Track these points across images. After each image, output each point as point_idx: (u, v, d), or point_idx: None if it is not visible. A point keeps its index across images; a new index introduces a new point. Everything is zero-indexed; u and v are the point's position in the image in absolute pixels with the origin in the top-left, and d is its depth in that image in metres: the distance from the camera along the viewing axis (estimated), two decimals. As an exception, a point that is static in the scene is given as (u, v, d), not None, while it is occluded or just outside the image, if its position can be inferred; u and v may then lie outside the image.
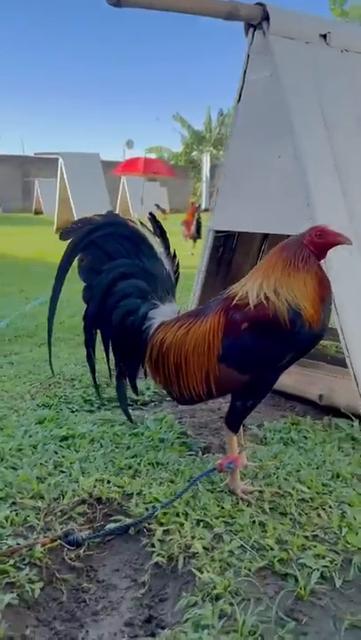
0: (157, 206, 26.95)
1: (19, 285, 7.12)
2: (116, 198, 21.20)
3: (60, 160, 15.27)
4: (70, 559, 1.74)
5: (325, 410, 2.88)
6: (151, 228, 2.09)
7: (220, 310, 1.95)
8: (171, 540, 1.77)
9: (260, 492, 2.04)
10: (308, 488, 2.07)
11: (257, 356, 1.90)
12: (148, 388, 3.16)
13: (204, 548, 1.74)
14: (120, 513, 1.94)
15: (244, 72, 2.76)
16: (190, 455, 2.37)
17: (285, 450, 2.42)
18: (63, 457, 2.25)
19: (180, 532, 1.81)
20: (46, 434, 2.45)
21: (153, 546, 1.76)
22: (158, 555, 1.73)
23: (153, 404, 3.04)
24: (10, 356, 3.78)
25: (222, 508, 1.95)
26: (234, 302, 1.92)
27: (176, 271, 2.15)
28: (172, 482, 2.11)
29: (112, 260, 2.01)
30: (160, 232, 2.09)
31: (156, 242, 2.08)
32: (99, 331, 2.11)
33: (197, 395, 2.01)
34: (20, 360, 3.65)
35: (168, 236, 2.12)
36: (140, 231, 2.05)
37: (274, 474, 2.18)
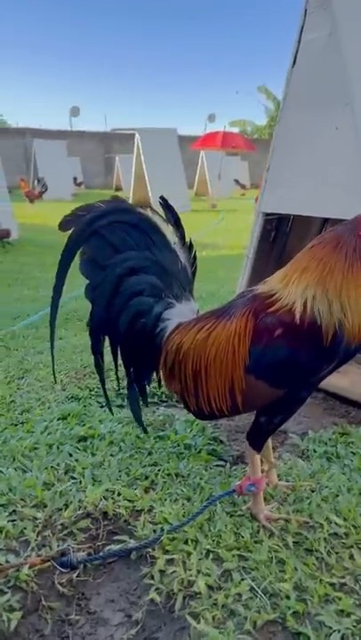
0: (236, 181, 26.43)
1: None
2: (195, 173, 20.87)
3: (137, 136, 15.11)
4: (61, 584, 1.57)
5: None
6: (163, 215, 1.81)
7: (248, 311, 1.65)
8: (173, 572, 1.56)
9: (287, 520, 1.77)
10: (345, 520, 1.78)
11: (291, 368, 1.61)
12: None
13: (209, 587, 1.51)
14: (125, 532, 1.75)
15: (301, 30, 2.39)
16: (218, 466, 2.14)
17: (327, 468, 2.13)
18: (76, 460, 2.09)
19: (184, 563, 1.59)
20: (66, 432, 2.29)
21: (152, 577, 1.55)
22: (156, 589, 1.52)
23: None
24: (46, 343, 3.68)
25: (239, 537, 1.70)
26: (266, 302, 1.63)
27: (193, 264, 1.87)
28: (188, 499, 1.89)
29: (118, 252, 1.74)
30: (174, 219, 1.81)
31: (169, 231, 1.79)
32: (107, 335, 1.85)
33: (219, 409, 1.72)
34: (62, 346, 3.53)
35: (182, 223, 1.83)
36: (150, 219, 1.77)
37: (307, 498, 1.90)
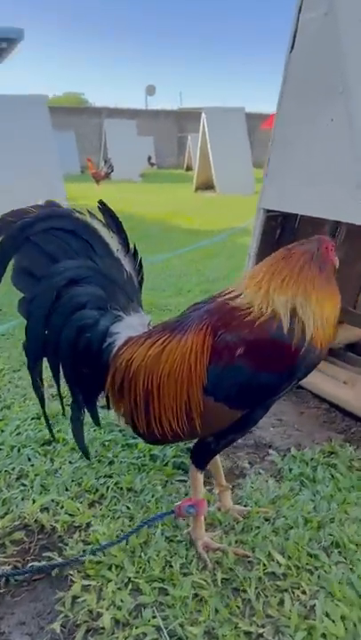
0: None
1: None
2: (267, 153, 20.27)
3: (203, 114, 14.84)
4: (-24, 599, 1.54)
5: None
6: (103, 220, 1.67)
7: (205, 326, 1.53)
8: (84, 601, 1.48)
9: (224, 552, 1.65)
10: (288, 558, 1.62)
11: (254, 389, 1.50)
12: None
13: (116, 621, 1.42)
14: (55, 549, 1.69)
15: (299, 9, 2.16)
16: (181, 481, 2.03)
17: (296, 492, 1.97)
18: (32, 466, 2.05)
19: (100, 591, 1.51)
20: (32, 434, 2.26)
21: (64, 604, 1.49)
22: (64, 617, 1.45)
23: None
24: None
25: (168, 567, 1.60)
26: (226, 317, 1.51)
27: (139, 273, 1.73)
28: (130, 518, 1.80)
29: (55, 262, 1.58)
30: (115, 225, 1.67)
31: (110, 237, 1.66)
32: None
33: (173, 432, 1.57)
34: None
35: (125, 228, 1.69)
36: (89, 224, 1.64)
37: (257, 528, 1.76)
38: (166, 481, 2.03)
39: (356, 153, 1.94)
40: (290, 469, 2.13)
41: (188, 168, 27.52)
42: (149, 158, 28.70)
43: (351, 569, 1.59)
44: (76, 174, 21.71)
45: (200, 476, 1.68)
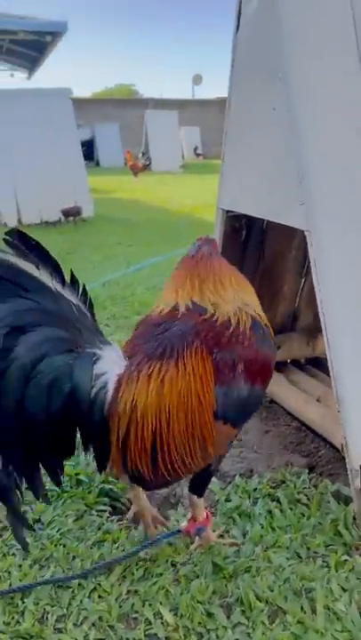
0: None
1: (142, 245, 6.87)
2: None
3: (241, 104, 14.45)
4: None
5: None
6: (17, 251, 1.29)
7: (197, 348, 1.39)
8: None
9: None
10: (178, 617, 1.42)
11: (252, 404, 1.50)
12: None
13: None
14: None
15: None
16: (100, 512, 1.85)
17: (222, 532, 1.75)
18: None
19: None
20: None
21: None
22: None
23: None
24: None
25: (43, 619, 1.42)
26: (211, 334, 1.42)
27: (86, 301, 1.45)
28: (26, 556, 1.64)
29: None
30: (39, 253, 1.31)
31: (35, 270, 1.30)
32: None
33: (185, 468, 1.40)
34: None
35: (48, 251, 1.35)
36: (4, 261, 1.26)
37: (159, 575, 1.56)
38: (84, 511, 1.85)
39: (294, 146, 1.68)
40: (226, 501, 1.92)
41: (234, 158, 27.07)
42: (196, 149, 28.42)
43: (249, 634, 1.37)
44: (118, 166, 21.73)
45: (202, 501, 1.62)
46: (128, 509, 1.87)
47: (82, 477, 1.99)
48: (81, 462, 2.07)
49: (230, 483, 2.04)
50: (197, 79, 34.30)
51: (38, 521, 1.79)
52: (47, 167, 8.07)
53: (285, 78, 1.72)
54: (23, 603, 1.46)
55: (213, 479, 2.05)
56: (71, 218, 8.09)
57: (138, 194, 13.39)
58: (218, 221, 2.40)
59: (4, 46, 25.33)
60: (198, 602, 1.45)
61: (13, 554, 1.65)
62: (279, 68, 1.75)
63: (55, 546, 1.66)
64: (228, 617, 1.42)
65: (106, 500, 1.93)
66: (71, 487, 1.96)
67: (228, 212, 2.34)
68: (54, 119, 8.20)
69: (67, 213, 7.98)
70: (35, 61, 28.33)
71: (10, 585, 1.52)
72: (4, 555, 1.64)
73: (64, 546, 1.67)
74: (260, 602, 1.46)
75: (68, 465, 2.05)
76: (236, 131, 2.10)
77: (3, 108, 7.86)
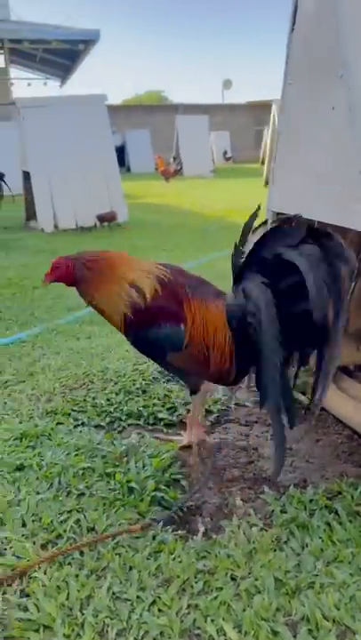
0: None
1: (176, 249, 6.85)
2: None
3: (273, 106, 14.35)
4: None
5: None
6: None
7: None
8: (-1, 668, 1.31)
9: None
10: (245, 634, 1.36)
11: None
12: (185, 404, 2.60)
13: None
14: (-8, 597, 1.53)
15: (300, -19, 1.85)
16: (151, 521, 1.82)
17: (280, 545, 1.69)
18: (-6, 495, 1.91)
19: (19, 658, 1.33)
20: (7, 457, 2.13)
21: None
22: None
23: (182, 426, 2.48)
24: (73, 341, 3.53)
25: (103, 633, 1.39)
26: None
27: None
28: (81, 566, 1.61)
29: None
30: None
31: None
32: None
33: None
34: (79, 347, 3.37)
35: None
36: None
37: (219, 589, 1.51)
38: (137, 520, 1.82)
39: (354, 146, 1.62)
40: (282, 512, 1.86)
41: (264, 162, 26.90)
42: (225, 153, 28.35)
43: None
44: (149, 172, 21.84)
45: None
46: (180, 518, 1.84)
47: (133, 485, 1.96)
48: (132, 469, 2.04)
49: (284, 493, 1.98)
50: (227, 84, 34.26)
51: (92, 530, 1.76)
52: (83, 173, 8.13)
53: (346, 77, 1.66)
54: (82, 615, 1.43)
55: (266, 488, 2.00)
56: (106, 223, 8.12)
57: (169, 198, 13.41)
58: (270, 223, 2.34)
59: (38, 56, 25.86)
60: (262, 619, 1.40)
61: (69, 563, 1.62)
62: (339, 67, 1.69)
63: (111, 556, 1.63)
64: (295, 636, 1.36)
65: (158, 508, 1.89)
66: (123, 495, 1.92)
67: (278, 214, 2.29)
68: (90, 125, 8.26)
69: (102, 219, 8.02)
70: (67, 69, 28.83)
71: (68, 595, 1.49)
72: (61, 564, 1.61)
73: (120, 556, 1.64)
74: (327, 621, 1.39)
75: (119, 472, 2.03)
76: (290, 131, 2.05)
77: (41, 115, 7.95)
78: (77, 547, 1.66)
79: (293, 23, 1.90)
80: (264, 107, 31.66)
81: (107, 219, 8.01)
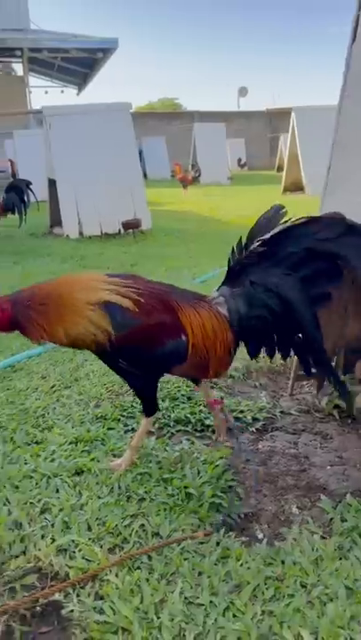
0: None
1: (201, 256, 6.87)
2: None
3: (293, 114, 14.39)
4: None
5: None
6: None
7: None
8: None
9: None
10: (315, 639, 1.38)
11: None
12: (231, 411, 2.62)
13: None
14: (67, 599, 1.55)
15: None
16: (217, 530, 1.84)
17: (344, 553, 1.70)
18: (58, 499, 1.93)
19: (101, 660, 1.35)
20: (65, 461, 2.16)
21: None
22: None
23: (228, 433, 2.49)
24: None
25: (180, 637, 1.41)
26: None
27: None
28: (150, 570, 1.63)
29: None
30: None
31: None
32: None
33: None
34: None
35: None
36: None
37: (290, 596, 1.52)
38: (198, 526, 1.84)
39: None
40: (342, 521, 1.87)
41: (280, 169, 26.91)
42: (239, 160, 28.40)
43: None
44: (165, 179, 21.95)
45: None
46: (238, 525, 1.86)
47: (191, 491, 1.98)
48: (188, 475, 2.06)
49: (340, 501, 1.99)
50: (243, 91, 34.39)
51: (157, 535, 1.78)
52: (108, 180, 8.20)
53: None
54: (158, 618, 1.45)
55: (323, 496, 2.02)
56: (130, 230, 8.18)
57: (188, 205, 13.45)
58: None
59: (56, 64, 26.13)
60: (339, 627, 1.41)
61: (138, 567, 1.64)
62: None
63: (180, 561, 1.65)
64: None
65: (218, 515, 1.91)
66: (182, 501, 1.95)
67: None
68: (115, 133, 8.34)
69: (127, 226, 8.08)
70: (85, 77, 29.08)
71: (142, 599, 1.51)
72: (130, 568, 1.63)
73: (187, 561, 1.66)
74: None
75: (176, 477, 2.05)
76: (348, 141, 2.08)
77: (67, 123, 8.05)
78: (145, 551, 1.68)
79: (354, 36, 1.93)
80: (281, 114, 31.81)
81: (131, 226, 8.06)
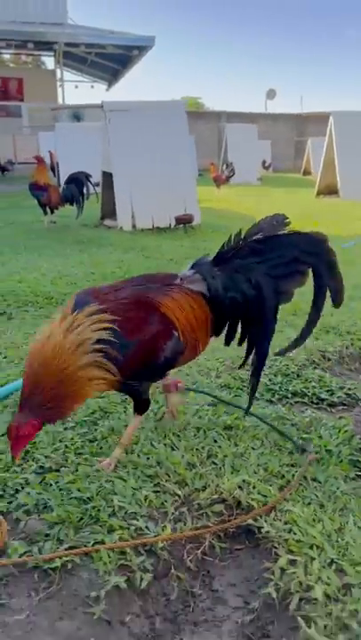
0: None
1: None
2: None
3: (331, 118, 14.61)
4: (190, 559, 1.73)
5: None
6: None
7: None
8: (293, 573, 1.61)
9: None
10: None
11: None
12: (341, 388, 2.90)
13: (326, 595, 1.53)
14: (254, 524, 1.84)
15: None
16: (358, 477, 2.11)
17: None
18: (219, 447, 2.22)
19: (306, 567, 1.63)
20: (213, 418, 2.44)
21: (273, 573, 1.63)
22: (275, 585, 1.59)
23: (342, 407, 2.77)
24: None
25: (369, 553, 1.69)
26: None
27: None
28: (321, 506, 1.91)
29: None
30: None
31: None
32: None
33: None
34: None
35: None
36: None
37: None
38: (345, 476, 2.12)
39: None
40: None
41: (306, 172, 27.14)
42: (264, 162, 28.62)
43: None
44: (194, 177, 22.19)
45: None
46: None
47: (330, 448, 2.25)
48: (324, 436, 2.34)
49: None
50: (271, 93, 34.61)
51: (315, 480, 2.06)
52: (162, 176, 8.49)
53: None
54: (343, 539, 1.73)
55: None
56: (181, 225, 8.47)
57: (223, 204, 13.69)
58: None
59: (89, 59, 26.54)
60: None
61: (309, 503, 1.92)
62: None
63: (346, 499, 1.93)
64: None
65: (356, 469, 2.18)
66: (323, 457, 2.22)
67: None
68: (170, 130, 8.63)
69: (180, 220, 8.36)
70: (116, 74, 29.45)
71: (323, 526, 1.78)
72: (304, 503, 1.91)
73: (352, 499, 1.93)
74: None
75: (314, 437, 2.32)
76: None
77: (125, 119, 8.35)
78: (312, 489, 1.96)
79: None
80: (308, 118, 31.99)
81: (184, 220, 8.35)
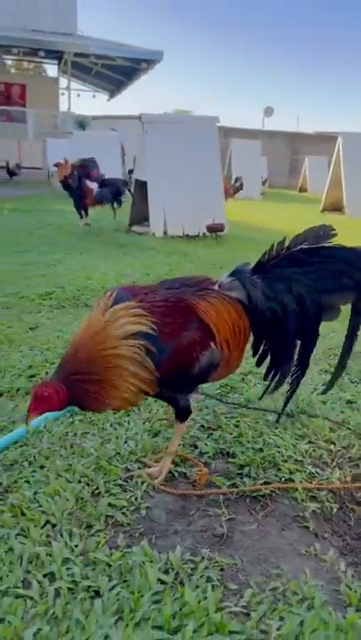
0: None
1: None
2: None
3: (340, 139, 15.28)
4: (359, 495, 2.12)
5: None
6: None
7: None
8: None
9: None
10: None
11: None
12: None
13: None
14: None
15: None
16: None
17: None
18: (349, 417, 2.62)
19: None
20: (334, 395, 2.85)
21: None
22: None
23: None
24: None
25: None
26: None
27: None
28: None
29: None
30: None
31: None
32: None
33: None
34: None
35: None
36: None
37: None
38: None
39: None
40: None
41: (302, 189, 27.94)
42: (261, 177, 29.33)
43: None
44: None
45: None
46: None
47: None
48: None
49: None
50: (269, 111, 35.51)
51: None
52: (193, 186, 8.93)
53: None
54: None
55: None
56: (212, 233, 8.91)
57: (235, 216, 14.16)
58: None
59: (94, 69, 27.02)
60: None
61: None
62: None
63: None
64: None
65: None
66: None
67: None
68: (202, 143, 9.10)
69: (211, 229, 8.80)
70: (120, 85, 29.98)
71: None
72: None
73: None
74: None
75: None
76: None
77: (161, 131, 8.79)
78: None
79: None
80: (303, 137, 32.89)
81: (215, 229, 8.79)
